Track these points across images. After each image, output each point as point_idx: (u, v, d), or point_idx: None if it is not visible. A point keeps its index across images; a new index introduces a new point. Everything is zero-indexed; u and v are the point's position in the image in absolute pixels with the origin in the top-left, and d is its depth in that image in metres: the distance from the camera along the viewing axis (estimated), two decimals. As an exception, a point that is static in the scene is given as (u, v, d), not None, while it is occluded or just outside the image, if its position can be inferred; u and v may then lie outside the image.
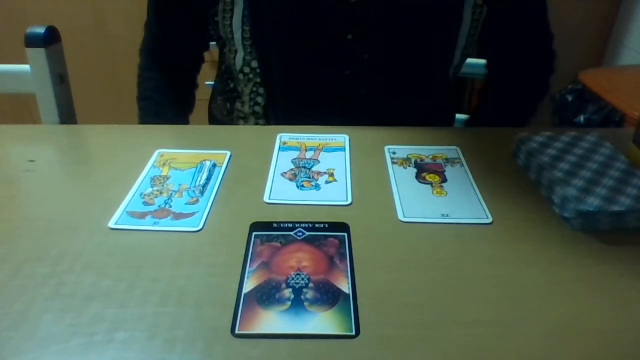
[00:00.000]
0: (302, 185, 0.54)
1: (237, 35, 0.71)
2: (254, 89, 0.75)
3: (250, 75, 0.74)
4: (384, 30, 0.68)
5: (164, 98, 0.80)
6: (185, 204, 0.51)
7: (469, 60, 0.84)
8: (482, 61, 0.88)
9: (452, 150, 0.61)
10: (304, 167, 0.58)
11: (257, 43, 0.71)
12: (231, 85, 0.79)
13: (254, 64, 0.73)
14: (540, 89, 0.83)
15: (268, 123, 0.77)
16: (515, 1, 0.73)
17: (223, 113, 0.82)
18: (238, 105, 0.79)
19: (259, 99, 0.76)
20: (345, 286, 0.41)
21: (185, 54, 0.83)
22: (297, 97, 0.74)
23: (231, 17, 0.70)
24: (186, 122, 0.85)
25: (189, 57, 0.85)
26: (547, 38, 0.80)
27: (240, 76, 0.75)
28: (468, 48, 0.74)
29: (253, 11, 0.68)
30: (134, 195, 0.52)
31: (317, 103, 0.74)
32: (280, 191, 0.53)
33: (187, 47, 0.82)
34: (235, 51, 0.73)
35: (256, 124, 0.78)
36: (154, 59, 0.82)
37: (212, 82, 0.87)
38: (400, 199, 0.52)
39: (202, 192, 0.53)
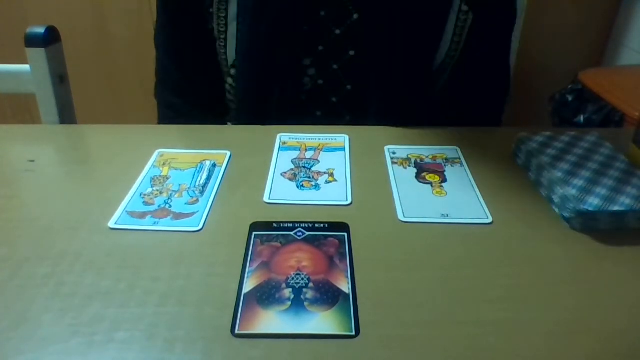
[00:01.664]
0: (302, 185, 0.54)
1: (232, 27, 0.71)
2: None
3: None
4: (370, 27, 0.69)
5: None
6: (185, 204, 0.51)
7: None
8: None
9: (452, 150, 0.61)
10: (304, 167, 0.58)
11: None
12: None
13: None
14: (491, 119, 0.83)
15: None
16: (492, 15, 0.73)
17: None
18: (231, 105, 0.79)
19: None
20: (345, 286, 0.41)
21: (206, 85, 0.81)
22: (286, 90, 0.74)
23: (226, 9, 0.70)
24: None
25: (210, 89, 0.82)
26: (505, 70, 0.80)
27: (233, 71, 0.75)
28: (453, 57, 0.73)
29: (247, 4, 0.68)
30: (134, 195, 0.52)
31: (305, 96, 0.74)
32: (280, 191, 0.53)
33: (206, 79, 0.80)
34: (225, 46, 0.73)
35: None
36: (174, 90, 0.80)
37: None
38: (400, 199, 0.52)
39: (202, 192, 0.53)
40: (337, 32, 0.69)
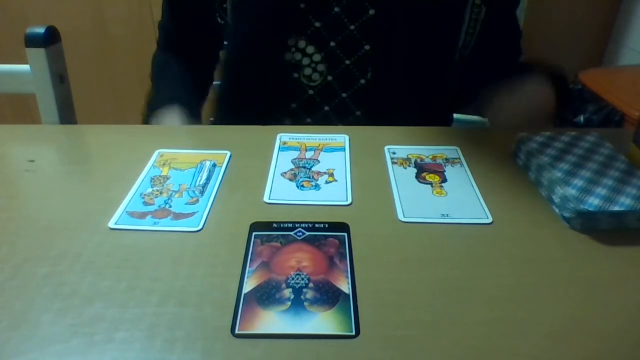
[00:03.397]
0: (302, 185, 0.54)
1: None
2: None
3: None
4: (386, 21, 0.69)
5: (181, 69, 0.81)
6: (185, 204, 0.51)
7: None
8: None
9: (452, 150, 0.61)
10: (304, 167, 0.58)
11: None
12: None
13: None
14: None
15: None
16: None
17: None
18: None
19: None
20: (345, 286, 0.41)
21: (200, 47, 0.83)
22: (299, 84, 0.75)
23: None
24: (199, 104, 0.85)
25: (204, 51, 0.84)
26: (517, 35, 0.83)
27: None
28: (467, 47, 0.75)
29: None
30: (134, 195, 0.52)
31: (313, 91, 0.74)
32: (280, 191, 0.53)
33: (202, 40, 0.82)
34: None
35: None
36: (170, 50, 0.83)
37: (218, 82, 0.87)
38: (400, 199, 0.52)
39: (202, 192, 0.53)
40: (352, 27, 0.70)
